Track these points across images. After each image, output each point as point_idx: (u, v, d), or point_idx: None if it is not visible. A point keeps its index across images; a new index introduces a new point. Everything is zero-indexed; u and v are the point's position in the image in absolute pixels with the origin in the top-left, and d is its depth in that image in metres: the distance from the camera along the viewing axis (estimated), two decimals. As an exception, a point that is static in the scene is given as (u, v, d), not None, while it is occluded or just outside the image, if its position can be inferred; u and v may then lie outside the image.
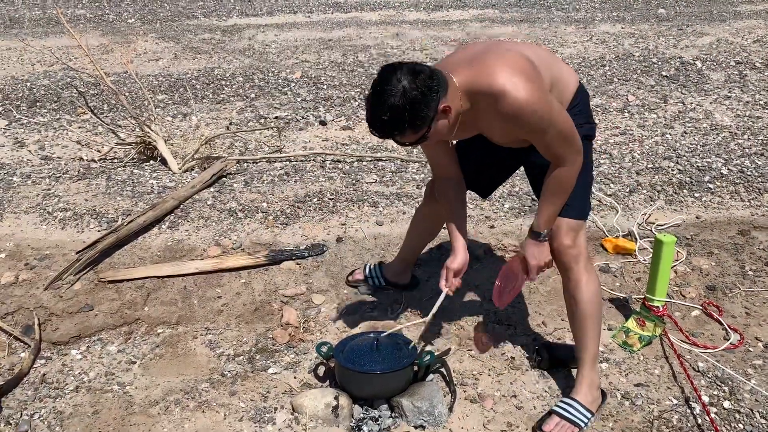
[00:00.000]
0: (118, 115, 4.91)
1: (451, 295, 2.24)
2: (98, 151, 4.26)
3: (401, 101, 1.77)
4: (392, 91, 1.78)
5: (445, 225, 2.33)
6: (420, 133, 1.86)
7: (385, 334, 2.30)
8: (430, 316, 2.26)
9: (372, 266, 2.89)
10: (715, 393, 2.27)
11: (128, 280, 2.92)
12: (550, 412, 2.13)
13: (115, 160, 4.16)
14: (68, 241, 3.21)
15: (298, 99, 5.22)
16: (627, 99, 4.97)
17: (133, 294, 2.85)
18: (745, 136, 4.24)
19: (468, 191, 2.45)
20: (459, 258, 2.19)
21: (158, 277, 2.93)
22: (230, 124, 4.76)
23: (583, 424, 2.09)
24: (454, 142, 2.31)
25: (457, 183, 2.29)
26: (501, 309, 2.48)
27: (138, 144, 4.16)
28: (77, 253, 2.99)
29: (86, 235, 3.25)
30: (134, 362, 2.50)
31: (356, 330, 2.60)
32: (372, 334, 2.36)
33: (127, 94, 5.32)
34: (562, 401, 2.15)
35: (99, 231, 3.28)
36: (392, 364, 2.21)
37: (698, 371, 2.38)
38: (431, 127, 1.87)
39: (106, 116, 4.89)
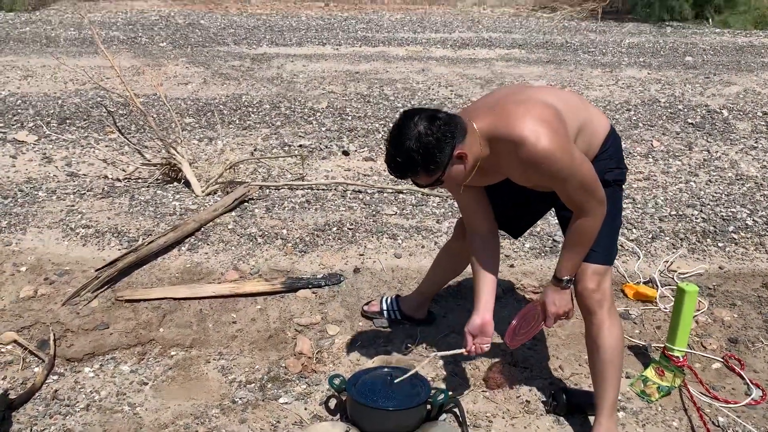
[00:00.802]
0: (145, 136, 4.98)
1: (469, 354, 2.21)
2: (123, 171, 4.32)
3: (416, 145, 1.84)
4: (408, 135, 1.85)
5: (470, 266, 2.31)
6: (434, 177, 1.91)
7: (399, 379, 2.23)
8: (434, 356, 2.31)
9: (389, 299, 2.88)
10: (736, 450, 2.21)
11: (145, 300, 2.93)
12: None
13: (140, 180, 4.21)
14: (89, 258, 3.24)
15: (323, 129, 5.26)
16: (652, 144, 4.95)
17: (149, 314, 2.86)
18: (771, 188, 4.19)
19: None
20: (475, 321, 2.18)
21: (175, 299, 2.94)
22: (255, 150, 4.80)
23: None
24: (485, 194, 2.28)
25: (486, 240, 2.26)
26: (511, 349, 2.44)
27: (163, 165, 4.21)
28: (96, 270, 3.01)
29: (107, 253, 3.28)
30: (146, 383, 2.50)
31: (369, 363, 2.58)
32: (386, 369, 2.33)
33: (155, 115, 5.40)
34: None
35: (119, 249, 3.30)
36: (405, 401, 2.18)
37: (718, 426, 2.32)
38: (445, 171, 1.91)
39: (134, 137, 4.96)
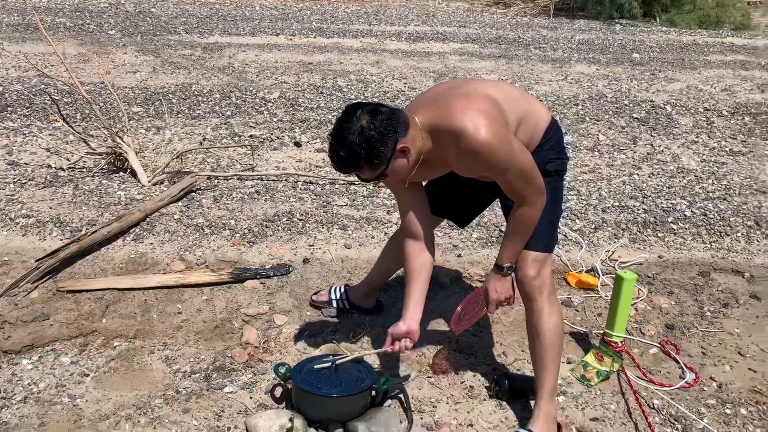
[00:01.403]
0: (91, 125, 4.86)
1: (390, 352, 2.24)
2: (67, 160, 4.21)
3: (358, 139, 1.86)
4: (351, 129, 1.87)
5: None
6: (378, 170, 1.94)
7: (341, 360, 2.27)
8: (357, 354, 2.32)
9: (337, 288, 2.88)
10: (668, 430, 2.29)
11: (88, 290, 2.87)
12: None
13: (84, 170, 4.11)
14: (29, 248, 3.15)
15: (275, 119, 5.22)
16: (598, 138, 5.07)
17: (92, 305, 2.80)
18: (710, 181, 4.35)
19: (445, 219, 2.56)
20: (400, 327, 2.19)
21: (119, 290, 2.89)
22: (204, 140, 4.74)
23: None
24: (425, 196, 2.30)
25: (421, 247, 2.25)
26: (456, 334, 2.49)
27: (108, 155, 4.12)
28: (37, 260, 2.94)
29: (48, 243, 3.20)
30: (87, 375, 2.45)
31: (317, 352, 2.58)
32: (331, 357, 2.34)
33: (101, 104, 5.27)
34: (519, 430, 2.16)
35: (61, 240, 3.23)
36: (349, 388, 2.19)
37: (653, 408, 2.40)
38: (389, 165, 1.93)
39: (79, 125, 4.84)
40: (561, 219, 3.67)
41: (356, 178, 2.06)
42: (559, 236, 3.52)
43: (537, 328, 2.19)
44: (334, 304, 2.86)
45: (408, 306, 2.23)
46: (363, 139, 1.86)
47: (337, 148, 1.90)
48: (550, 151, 2.19)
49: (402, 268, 2.80)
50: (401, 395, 2.31)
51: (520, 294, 2.22)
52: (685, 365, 2.63)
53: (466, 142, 1.90)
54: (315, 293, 2.93)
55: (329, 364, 2.28)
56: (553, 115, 2.27)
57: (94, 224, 3.37)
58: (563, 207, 2.50)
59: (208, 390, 2.38)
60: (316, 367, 2.29)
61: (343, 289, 2.87)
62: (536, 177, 2.01)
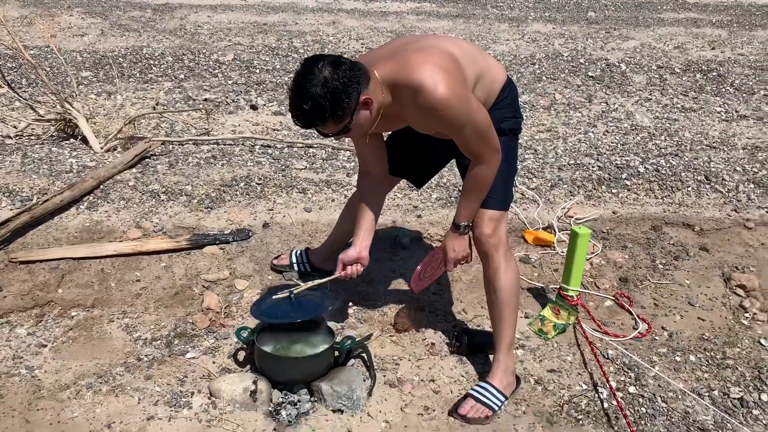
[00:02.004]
0: (38, 91, 4.69)
1: (343, 278, 2.32)
2: (14, 127, 4.07)
3: (322, 90, 1.81)
4: (314, 81, 1.81)
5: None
6: (341, 124, 1.90)
7: (299, 290, 2.34)
8: (311, 284, 2.37)
9: (298, 251, 2.88)
10: (622, 379, 2.38)
11: (42, 261, 2.81)
12: (466, 396, 2.18)
13: (33, 137, 3.98)
14: (-23, 220, 3.05)
15: (229, 82, 5.12)
16: (554, 97, 5.11)
17: (47, 275, 2.74)
18: (662, 137, 4.44)
19: (402, 179, 2.56)
20: (350, 253, 2.28)
21: (74, 259, 2.83)
22: (157, 104, 4.62)
23: (496, 407, 2.15)
24: (386, 136, 2.33)
25: (377, 183, 2.34)
26: (416, 293, 2.52)
27: (58, 121, 3.99)
28: (-14, 231, 2.85)
29: (-3, 214, 3.10)
30: (45, 345, 2.41)
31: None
32: (288, 289, 2.36)
33: (48, 69, 5.09)
34: (477, 385, 2.21)
35: (11, 210, 3.13)
36: (313, 312, 2.28)
37: (608, 358, 2.48)
38: (353, 118, 1.90)
39: (25, 91, 4.67)
40: (518, 178, 3.73)
41: (317, 134, 2.02)
42: (517, 195, 3.57)
43: (494, 284, 2.23)
44: (296, 267, 2.86)
45: (358, 233, 2.30)
46: (327, 91, 1.80)
47: (299, 101, 1.83)
48: (505, 110, 2.20)
49: None
50: (364, 354, 2.34)
51: (477, 252, 2.25)
52: (638, 316, 2.72)
53: (424, 97, 1.89)
54: (276, 257, 2.92)
55: (288, 293, 2.32)
56: (508, 74, 2.27)
57: (46, 193, 3.28)
58: (518, 166, 2.49)
59: (170, 356, 2.37)
60: (274, 298, 2.33)
61: (304, 252, 2.87)
62: (492, 136, 2.02)
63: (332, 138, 2.33)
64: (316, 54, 1.90)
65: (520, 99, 2.52)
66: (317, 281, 2.38)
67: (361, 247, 2.28)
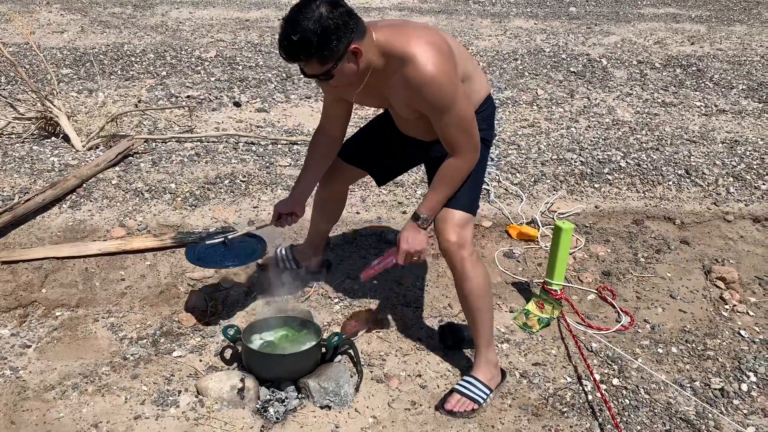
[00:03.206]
0: (17, 89, 4.64)
1: (278, 227, 2.44)
2: (-7, 126, 4.02)
3: (314, 26, 1.78)
4: (308, 15, 1.79)
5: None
6: (326, 66, 1.86)
7: (233, 236, 2.47)
8: (245, 230, 2.53)
9: (283, 248, 2.89)
10: (606, 371, 2.41)
11: (24, 261, 2.79)
12: (452, 390, 2.20)
13: (13, 136, 3.94)
14: (-42, 220, 3.02)
15: (212, 79, 5.10)
16: (536, 93, 5.15)
17: (30, 275, 2.72)
18: (643, 132, 4.49)
19: (367, 175, 2.58)
20: (286, 201, 2.40)
21: (57, 258, 2.81)
22: (139, 101, 4.59)
23: (481, 400, 2.17)
24: (350, 111, 2.37)
25: (331, 142, 2.39)
26: (362, 280, 2.42)
27: (38, 119, 3.95)
28: (-33, 232, 2.83)
29: (-22, 214, 3.07)
30: (29, 346, 2.40)
31: (266, 312, 2.59)
32: (223, 235, 2.49)
33: (27, 66, 5.03)
34: (462, 379, 2.23)
35: (-8, 209, 3.10)
36: (243, 258, 2.42)
37: (591, 351, 2.52)
38: (338, 64, 1.86)
39: (4, 89, 4.61)
40: (501, 173, 3.76)
41: (300, 73, 1.97)
42: (500, 190, 3.60)
43: (463, 291, 2.21)
44: (281, 264, 2.86)
45: (298, 185, 2.40)
46: (319, 27, 1.77)
47: (289, 32, 1.78)
48: (482, 122, 2.18)
49: (336, 223, 2.87)
50: (351, 350, 2.35)
51: (444, 257, 2.22)
52: (621, 309, 2.76)
53: (413, 70, 1.88)
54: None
55: (222, 239, 2.42)
56: (491, 73, 2.30)
57: (27, 192, 3.25)
58: (485, 175, 2.52)
59: (156, 355, 2.37)
60: (208, 243, 2.43)
61: (288, 249, 2.88)
62: (473, 130, 2.03)
63: (314, 84, 2.35)
64: None
65: (502, 94, 2.56)
66: (252, 228, 2.51)
67: (298, 199, 2.39)
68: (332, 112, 2.33)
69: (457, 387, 2.20)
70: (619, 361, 2.45)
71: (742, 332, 2.64)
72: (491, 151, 2.40)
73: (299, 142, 4.06)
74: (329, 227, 2.82)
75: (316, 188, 2.55)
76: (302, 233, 3.12)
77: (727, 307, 2.80)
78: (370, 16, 7.27)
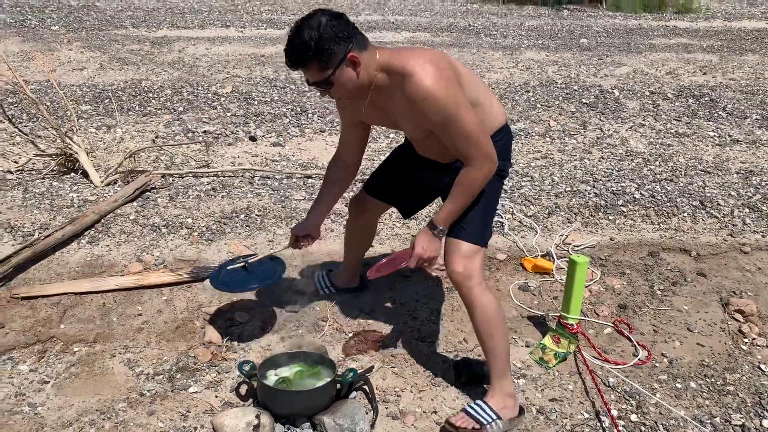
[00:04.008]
0: (38, 126, 4.74)
1: (294, 249, 2.55)
2: (15, 162, 4.10)
3: (314, 32, 1.92)
4: (310, 23, 1.94)
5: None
6: (324, 73, 1.97)
7: (254, 260, 2.58)
8: (267, 254, 2.64)
9: (321, 275, 2.99)
10: (624, 407, 2.39)
11: (43, 296, 2.82)
12: (462, 410, 2.23)
13: (34, 172, 4.01)
14: (-21, 256, 3.07)
15: (228, 114, 5.18)
16: (549, 124, 5.18)
17: (49, 311, 2.75)
18: (657, 163, 4.49)
19: (392, 208, 2.69)
20: (304, 224, 2.51)
21: (76, 294, 2.84)
22: (156, 137, 4.67)
23: (485, 422, 2.17)
24: (366, 138, 2.46)
25: (345, 168, 2.50)
26: (369, 278, 2.52)
27: (58, 156, 4.03)
28: (-12, 268, 2.87)
29: (-1, 250, 3.12)
30: (47, 382, 2.41)
31: (280, 348, 2.60)
32: (242, 258, 2.61)
33: (48, 103, 5.15)
34: (474, 402, 2.26)
35: (13, 245, 3.15)
36: (264, 279, 2.52)
37: (609, 386, 2.49)
38: (336, 71, 1.97)
39: (25, 126, 4.71)
40: (515, 205, 3.77)
41: (305, 83, 2.15)
42: (514, 222, 3.60)
43: (473, 320, 2.24)
44: (320, 291, 2.94)
45: (313, 209, 2.52)
46: (318, 34, 1.91)
47: (291, 38, 1.95)
48: (497, 151, 2.18)
49: (369, 249, 2.95)
50: (366, 386, 2.35)
51: (454, 287, 2.27)
52: (637, 343, 2.74)
53: (411, 85, 1.96)
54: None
55: (243, 263, 2.52)
56: (507, 119, 2.34)
57: (47, 228, 3.30)
58: (498, 207, 2.54)
59: (172, 391, 2.37)
60: (229, 267, 2.53)
61: (326, 275, 2.98)
62: (483, 140, 2.04)
63: (320, 95, 2.43)
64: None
65: (515, 126, 2.59)
66: (273, 251, 2.64)
67: (314, 222, 2.50)
68: (348, 138, 2.42)
69: (466, 407, 2.23)
70: (637, 397, 2.43)
71: (763, 366, 2.61)
72: (504, 182, 2.42)
73: (314, 176, 4.11)
74: (362, 253, 2.93)
75: (346, 217, 2.75)
76: (317, 268, 3.14)
77: (746, 340, 2.77)
78: (383, 50, 7.38)
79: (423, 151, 2.34)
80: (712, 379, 2.53)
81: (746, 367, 2.61)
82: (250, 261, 2.55)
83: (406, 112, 2.08)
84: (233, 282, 2.53)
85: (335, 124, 5.04)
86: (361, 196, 2.69)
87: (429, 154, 2.32)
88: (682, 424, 2.30)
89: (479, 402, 2.23)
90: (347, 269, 2.95)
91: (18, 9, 8.79)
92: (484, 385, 2.42)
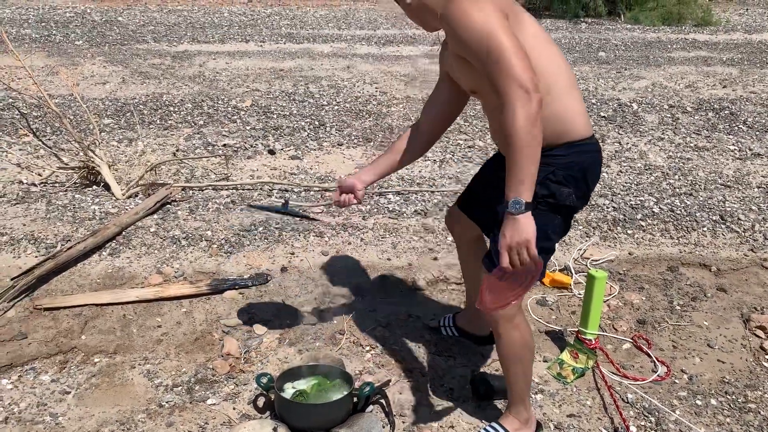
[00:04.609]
0: (62, 139, 4.82)
1: (336, 205, 2.35)
2: (39, 175, 4.18)
3: None
4: None
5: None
6: None
7: (293, 203, 2.82)
8: (306, 204, 2.69)
9: (447, 318, 2.78)
10: (643, 423, 2.36)
11: (65, 307, 2.86)
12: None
13: (57, 185, 4.08)
14: (3, 267, 3.13)
15: (248, 127, 5.23)
16: (567, 137, 5.17)
17: (70, 322, 2.79)
18: (676, 177, 4.46)
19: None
20: (348, 181, 2.26)
21: (97, 305, 2.88)
22: (177, 150, 4.73)
23: None
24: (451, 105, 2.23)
25: (416, 136, 2.26)
26: (489, 310, 1.96)
27: (81, 168, 4.10)
28: (12, 279, 2.92)
29: (23, 261, 3.18)
30: (68, 392, 2.45)
31: (297, 360, 2.61)
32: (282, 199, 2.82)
33: (71, 117, 5.24)
34: (489, 424, 2.23)
35: (36, 257, 3.21)
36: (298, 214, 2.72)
37: (627, 402, 2.47)
38: None
39: (49, 139, 4.80)
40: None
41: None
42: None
43: (498, 347, 2.15)
44: (443, 332, 2.75)
45: (368, 166, 2.29)
46: None
47: None
48: (559, 171, 1.88)
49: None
50: (383, 400, 2.35)
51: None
52: (656, 359, 2.71)
53: (450, 10, 1.76)
54: (430, 319, 2.86)
55: (283, 201, 2.55)
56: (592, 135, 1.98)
57: (69, 240, 3.36)
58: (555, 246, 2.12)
59: (191, 403, 2.39)
60: (268, 202, 2.79)
61: (450, 318, 2.76)
62: (513, 62, 1.63)
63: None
64: None
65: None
66: (315, 204, 2.74)
67: (361, 179, 2.26)
68: (434, 96, 2.22)
69: (481, 429, 2.21)
70: (656, 413, 2.40)
71: (785, 384, 2.57)
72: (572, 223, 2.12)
73: (331, 189, 4.13)
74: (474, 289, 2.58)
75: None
76: (334, 281, 3.15)
77: (767, 357, 2.73)
78: (401, 64, 7.42)
79: (492, 130, 2.06)
80: (733, 396, 2.50)
81: (768, 384, 2.58)
82: (290, 202, 2.64)
83: (454, 47, 1.84)
84: (267, 209, 2.87)
85: (353, 138, 5.07)
86: (452, 209, 2.49)
87: (495, 137, 2.05)
88: (702, 441, 2.27)
89: (494, 424, 2.21)
90: (469, 306, 2.64)
91: (43, 24, 8.97)
92: (505, 401, 2.41)
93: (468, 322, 2.71)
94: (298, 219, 2.71)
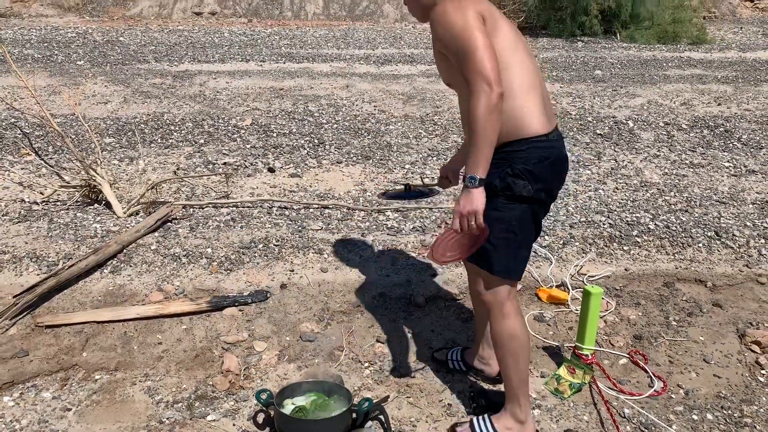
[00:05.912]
0: (63, 158, 4.87)
1: (440, 187, 2.78)
2: (41, 194, 4.22)
3: None
4: None
5: None
6: None
7: (414, 184, 2.91)
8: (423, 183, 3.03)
9: (455, 352, 2.76)
10: (639, 438, 2.39)
11: (67, 324, 2.89)
12: (469, 420, 2.31)
13: (58, 203, 4.12)
14: (5, 285, 3.16)
15: (248, 146, 5.28)
16: (564, 155, 5.22)
17: (72, 339, 2.82)
18: (672, 193, 4.50)
19: None
20: (446, 165, 2.68)
21: (98, 323, 2.91)
22: (178, 169, 4.78)
23: None
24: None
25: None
26: (438, 262, 2.20)
27: (83, 187, 4.14)
28: (14, 296, 2.95)
29: (25, 279, 3.21)
30: (69, 409, 2.47)
31: (297, 377, 2.63)
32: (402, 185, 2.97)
33: (73, 136, 5.29)
34: (481, 416, 2.31)
35: (38, 275, 3.24)
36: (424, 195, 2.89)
37: (624, 417, 2.49)
38: None
39: (51, 158, 4.85)
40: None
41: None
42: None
43: (493, 336, 2.25)
44: (450, 365, 2.72)
45: (458, 153, 2.65)
46: None
47: None
48: (515, 165, 2.03)
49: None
50: (381, 416, 2.37)
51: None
52: (653, 374, 2.74)
53: (433, 13, 2.03)
54: (437, 350, 2.82)
55: (404, 185, 2.80)
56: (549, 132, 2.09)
57: (71, 258, 3.39)
58: (530, 238, 2.24)
59: (191, 419, 2.41)
60: (394, 189, 3.15)
61: (459, 352, 2.75)
62: (478, 56, 1.86)
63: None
64: None
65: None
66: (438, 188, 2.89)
67: (456, 161, 2.61)
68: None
69: (472, 420, 2.29)
70: (653, 428, 2.42)
71: (780, 398, 2.59)
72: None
73: (330, 206, 4.17)
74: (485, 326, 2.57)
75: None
76: (333, 297, 3.18)
77: (763, 372, 2.76)
78: (399, 83, 7.49)
79: (462, 121, 2.19)
80: (729, 411, 2.52)
81: (764, 399, 2.60)
82: (411, 184, 2.83)
83: (435, 44, 2.06)
84: (398, 197, 2.88)
85: (352, 155, 5.12)
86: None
87: (464, 126, 2.16)
88: (698, 456, 2.29)
89: (485, 417, 2.28)
90: (476, 342, 2.66)
91: (45, 44, 9.05)
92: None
93: (473, 356, 2.68)
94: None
